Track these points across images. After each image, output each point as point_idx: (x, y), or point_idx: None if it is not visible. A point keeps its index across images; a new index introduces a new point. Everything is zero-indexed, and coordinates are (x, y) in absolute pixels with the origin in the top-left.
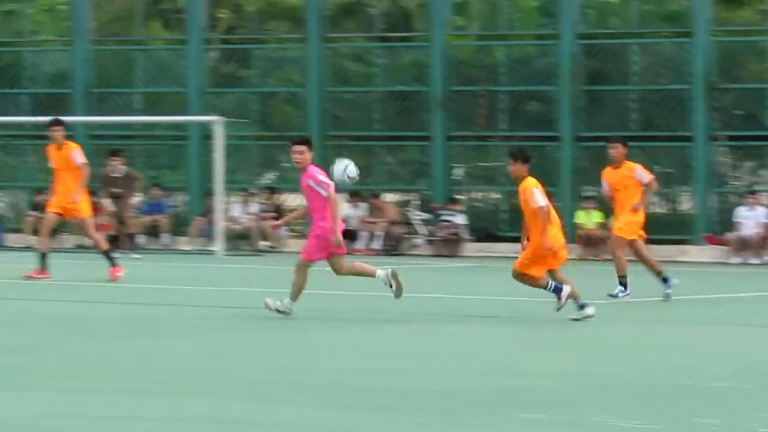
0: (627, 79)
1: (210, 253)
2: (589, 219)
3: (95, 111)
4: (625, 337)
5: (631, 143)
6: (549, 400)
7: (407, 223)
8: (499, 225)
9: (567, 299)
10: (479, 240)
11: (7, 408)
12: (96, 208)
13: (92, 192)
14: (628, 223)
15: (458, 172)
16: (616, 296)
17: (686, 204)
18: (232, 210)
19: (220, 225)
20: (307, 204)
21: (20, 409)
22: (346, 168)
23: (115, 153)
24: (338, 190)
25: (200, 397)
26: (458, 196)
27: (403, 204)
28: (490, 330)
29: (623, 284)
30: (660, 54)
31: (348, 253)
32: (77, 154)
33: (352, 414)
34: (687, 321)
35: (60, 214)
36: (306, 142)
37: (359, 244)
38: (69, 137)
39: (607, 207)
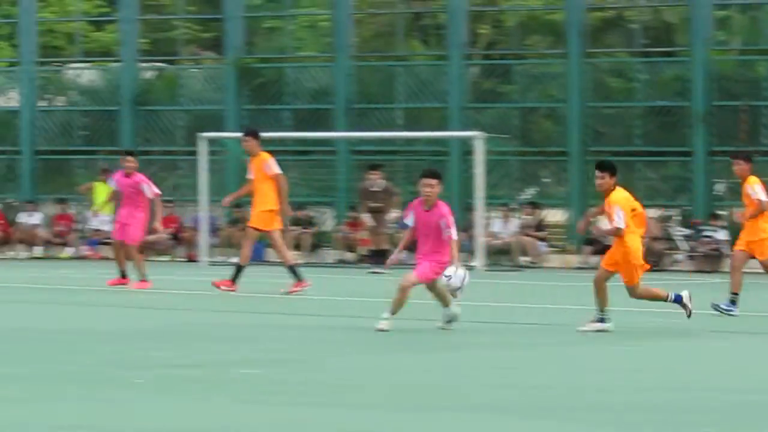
0: None
1: (470, 268)
2: None
3: (356, 126)
4: None
5: None
6: None
7: (668, 238)
8: None
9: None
10: None
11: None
12: (355, 223)
13: (352, 207)
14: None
15: (720, 187)
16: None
17: None
18: (492, 225)
19: (481, 240)
20: (423, 235)
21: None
22: (464, 278)
23: (374, 167)
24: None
25: (447, 411)
26: (720, 212)
27: (665, 219)
28: (749, 344)
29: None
30: None
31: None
32: (271, 165)
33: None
34: None
35: (258, 229)
36: (438, 176)
37: None
38: (330, 152)
39: None
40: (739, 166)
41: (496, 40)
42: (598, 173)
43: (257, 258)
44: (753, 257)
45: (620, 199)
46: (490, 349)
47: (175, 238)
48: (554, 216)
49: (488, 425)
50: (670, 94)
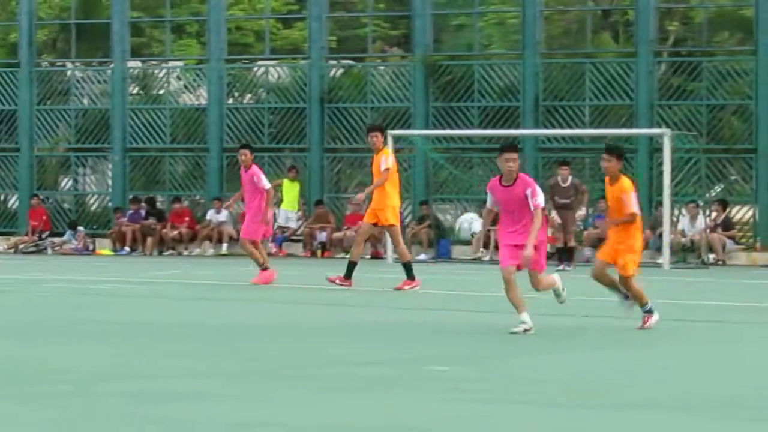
0: None
1: (657, 265)
2: None
3: (544, 123)
4: None
5: None
6: None
7: None
8: None
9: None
10: None
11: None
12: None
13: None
14: None
15: None
16: None
17: None
18: (679, 223)
19: (668, 237)
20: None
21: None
22: (470, 224)
23: (564, 163)
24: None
25: (649, 409)
26: None
27: None
28: None
29: None
30: None
31: None
32: (386, 159)
33: None
34: None
35: (375, 223)
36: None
37: None
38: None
39: None
40: None
41: (685, 36)
42: (605, 156)
43: (444, 255)
44: None
45: (630, 184)
46: (672, 346)
47: None
48: (741, 213)
49: (666, 424)
50: None
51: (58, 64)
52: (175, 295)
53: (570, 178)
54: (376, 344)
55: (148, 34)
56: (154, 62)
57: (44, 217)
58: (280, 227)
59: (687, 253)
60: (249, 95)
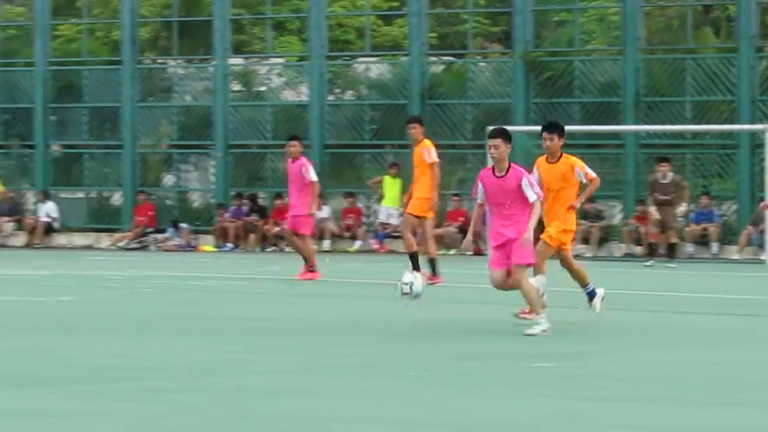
0: None
1: (760, 262)
2: None
3: (645, 119)
4: None
5: None
6: None
7: None
8: None
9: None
10: None
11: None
12: (643, 216)
13: (640, 200)
14: None
15: None
16: None
17: None
18: None
19: None
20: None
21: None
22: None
23: (664, 159)
24: None
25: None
26: None
27: None
28: None
29: None
30: None
31: None
32: (429, 153)
33: None
34: None
35: (417, 216)
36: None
37: None
38: (618, 145)
39: None
40: None
41: None
42: (545, 134)
43: None
44: None
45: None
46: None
47: (463, 231)
48: None
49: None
50: None
51: (160, 61)
52: (277, 291)
53: (670, 174)
54: (485, 340)
55: (249, 31)
56: (255, 59)
57: (150, 213)
58: (382, 224)
59: None
60: (350, 92)
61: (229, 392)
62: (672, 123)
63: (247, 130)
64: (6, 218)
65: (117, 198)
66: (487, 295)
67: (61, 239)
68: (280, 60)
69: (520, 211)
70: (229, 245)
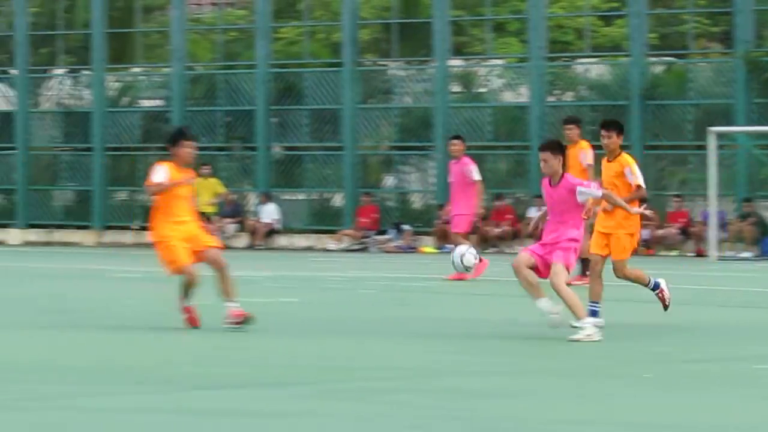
0: None
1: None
2: None
3: None
4: None
5: None
6: None
7: None
8: None
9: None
10: None
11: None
12: None
13: None
14: None
15: None
16: None
17: None
18: None
19: None
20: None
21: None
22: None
23: None
24: None
25: None
26: None
27: None
28: None
29: None
30: None
31: None
32: (585, 155)
33: None
34: None
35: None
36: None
37: None
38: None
39: None
40: None
41: None
42: (603, 132)
43: (767, 253)
44: None
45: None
46: None
47: (684, 232)
48: None
49: None
50: None
51: (380, 63)
52: (495, 292)
53: None
54: (700, 341)
55: (468, 33)
56: (474, 60)
57: (374, 216)
58: None
59: None
60: (569, 93)
61: (452, 393)
62: None
63: (467, 132)
64: (228, 220)
65: (337, 199)
66: (706, 297)
67: (282, 240)
68: (500, 61)
69: (572, 219)
70: (450, 246)
